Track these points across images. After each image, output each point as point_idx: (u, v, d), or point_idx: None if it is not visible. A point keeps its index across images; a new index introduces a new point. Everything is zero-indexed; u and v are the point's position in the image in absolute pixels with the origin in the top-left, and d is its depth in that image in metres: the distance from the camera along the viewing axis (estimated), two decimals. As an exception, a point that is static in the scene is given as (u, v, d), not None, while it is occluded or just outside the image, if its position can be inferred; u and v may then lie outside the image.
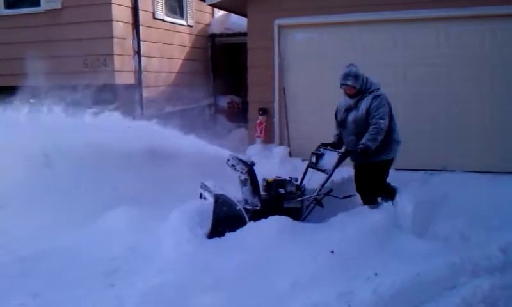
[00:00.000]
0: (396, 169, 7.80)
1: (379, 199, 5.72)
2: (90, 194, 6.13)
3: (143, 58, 10.36)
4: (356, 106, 5.71)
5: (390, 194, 5.74)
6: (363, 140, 5.50)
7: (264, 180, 5.53)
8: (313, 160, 5.86)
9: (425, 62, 8.45)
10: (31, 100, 6.66)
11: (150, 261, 4.58)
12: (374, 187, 5.80)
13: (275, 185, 5.44)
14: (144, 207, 5.61)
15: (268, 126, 9.49)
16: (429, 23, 8.44)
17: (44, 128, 5.97)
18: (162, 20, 11.21)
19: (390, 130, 5.66)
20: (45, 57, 9.55)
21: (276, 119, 9.46)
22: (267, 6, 9.30)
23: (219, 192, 5.04)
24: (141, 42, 10.29)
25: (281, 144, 9.39)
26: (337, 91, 5.97)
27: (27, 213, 5.76)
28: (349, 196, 5.54)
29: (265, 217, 5.06)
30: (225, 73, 13.49)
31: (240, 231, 4.90)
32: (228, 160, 5.27)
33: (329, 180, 5.58)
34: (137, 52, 10.26)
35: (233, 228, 4.91)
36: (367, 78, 5.74)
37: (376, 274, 4.21)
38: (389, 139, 5.65)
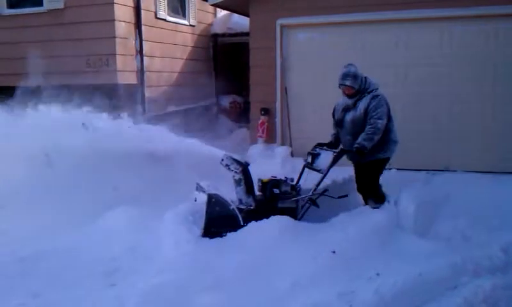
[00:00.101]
0: (398, 169, 7.83)
1: (369, 201, 5.70)
2: (90, 194, 6.13)
3: (145, 58, 10.37)
4: (354, 106, 5.67)
5: (380, 198, 5.70)
6: (359, 139, 5.47)
7: (259, 180, 5.51)
8: (309, 160, 5.83)
9: (427, 62, 8.42)
10: (33, 100, 6.65)
11: (150, 261, 4.58)
12: (368, 185, 5.77)
13: (270, 185, 5.42)
14: (144, 207, 5.61)
15: (270, 126, 9.48)
16: (431, 23, 8.41)
17: (45, 128, 5.96)
18: (165, 19, 11.22)
19: (388, 130, 5.62)
20: (47, 56, 9.59)
21: (278, 119, 9.46)
22: (269, 6, 9.30)
23: (213, 192, 5.03)
24: (144, 42, 10.30)
25: (283, 144, 9.38)
26: (339, 91, 5.94)
27: (27, 214, 5.77)
28: (344, 196, 5.49)
29: (260, 217, 5.04)
30: (227, 73, 13.49)
31: (241, 231, 4.89)
32: (222, 160, 5.25)
33: (327, 179, 5.55)
34: (140, 51, 10.27)
35: (226, 228, 4.90)
36: (365, 78, 5.70)
37: (377, 274, 4.20)
38: (386, 138, 5.62)
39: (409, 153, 8.09)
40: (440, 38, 8.39)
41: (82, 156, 6.12)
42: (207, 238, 4.85)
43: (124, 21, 9.84)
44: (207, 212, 4.93)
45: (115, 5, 9.55)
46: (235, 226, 4.96)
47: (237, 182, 5.28)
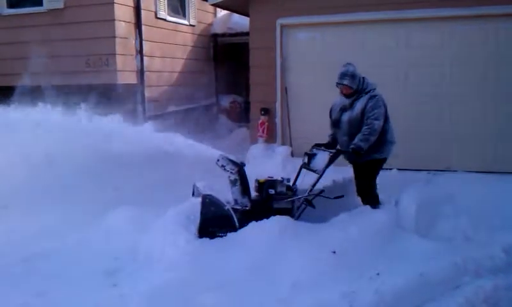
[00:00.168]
0: (399, 169, 7.84)
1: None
2: (92, 194, 6.14)
3: (145, 58, 10.37)
4: (351, 106, 5.64)
5: (374, 199, 5.68)
6: (356, 140, 5.44)
7: (256, 180, 5.49)
8: (306, 160, 5.81)
9: (427, 62, 8.43)
10: (33, 100, 6.65)
11: (152, 261, 4.57)
12: (364, 186, 5.76)
13: (266, 185, 5.40)
14: (146, 207, 5.60)
15: (270, 126, 9.49)
16: (432, 22, 8.42)
17: (46, 128, 5.96)
18: (165, 19, 11.22)
19: (384, 131, 5.59)
20: (47, 56, 9.58)
21: (278, 119, 9.46)
22: (269, 6, 9.30)
23: (207, 192, 5.02)
24: (144, 42, 10.31)
25: (283, 144, 9.39)
26: (338, 91, 5.94)
27: (30, 213, 5.80)
28: (340, 197, 5.46)
29: (255, 218, 5.02)
30: (227, 72, 13.49)
31: (242, 231, 4.89)
32: (218, 160, 5.22)
33: (327, 179, 5.54)
34: (140, 51, 10.28)
35: (221, 228, 4.89)
36: (363, 78, 5.66)
37: (378, 274, 4.19)
38: (383, 139, 5.59)
39: (410, 153, 8.13)
40: (441, 38, 8.40)
41: (83, 156, 6.12)
42: (208, 238, 4.85)
43: (124, 21, 9.84)
44: (201, 212, 4.92)
45: (115, 5, 9.56)
46: (230, 226, 4.94)
47: (233, 183, 5.25)
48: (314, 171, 5.60)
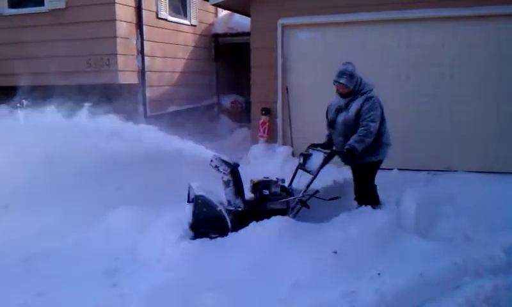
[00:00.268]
0: (399, 169, 7.84)
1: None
2: (92, 194, 6.14)
3: (146, 58, 10.39)
4: (346, 107, 5.60)
5: (374, 200, 5.65)
6: (350, 141, 5.40)
7: (251, 181, 5.47)
8: (301, 161, 5.79)
9: (428, 62, 8.42)
10: (34, 100, 6.66)
11: (153, 261, 4.57)
12: (362, 189, 5.72)
13: (260, 186, 5.37)
14: (146, 207, 5.60)
15: (271, 126, 9.49)
16: (433, 22, 8.41)
17: (47, 128, 5.97)
18: (166, 19, 11.23)
19: (380, 133, 5.54)
20: (48, 56, 9.61)
21: (279, 119, 9.46)
22: (270, 6, 9.30)
23: (200, 193, 5.01)
24: (145, 42, 10.32)
25: (284, 144, 9.38)
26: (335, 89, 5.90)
27: (30, 213, 5.78)
28: (336, 198, 5.45)
29: (249, 219, 5.01)
30: (228, 72, 13.50)
31: (244, 231, 4.89)
32: (212, 161, 5.20)
33: (328, 180, 5.52)
34: (141, 51, 10.30)
35: (214, 229, 4.89)
36: (361, 78, 5.60)
37: (378, 274, 4.19)
38: (378, 141, 5.54)
39: (410, 153, 8.14)
40: (442, 38, 8.38)
41: (84, 156, 6.12)
42: (208, 238, 4.85)
43: (125, 21, 9.85)
44: (194, 213, 4.93)
45: (116, 5, 9.57)
46: (222, 227, 4.94)
47: (226, 183, 5.23)
48: (309, 172, 5.57)
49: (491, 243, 4.77)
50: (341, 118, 5.66)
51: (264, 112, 9.45)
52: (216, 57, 13.47)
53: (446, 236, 5.05)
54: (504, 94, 8.16)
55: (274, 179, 5.45)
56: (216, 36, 13.45)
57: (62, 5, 9.92)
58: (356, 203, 5.76)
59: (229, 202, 5.23)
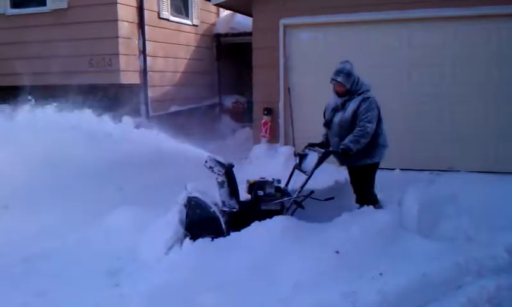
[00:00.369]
0: (401, 169, 7.83)
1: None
2: (93, 194, 6.14)
3: (148, 58, 10.39)
4: (343, 107, 5.53)
5: (373, 203, 5.56)
6: (346, 140, 5.33)
7: (247, 181, 5.43)
8: (297, 161, 5.75)
9: (430, 62, 8.41)
10: (36, 100, 6.66)
11: (153, 261, 4.57)
12: (361, 192, 5.66)
13: (255, 187, 5.33)
14: (147, 207, 5.60)
15: (273, 126, 9.47)
16: (435, 22, 8.39)
17: (48, 128, 5.97)
18: (168, 19, 11.23)
19: (376, 134, 5.46)
20: (50, 56, 9.61)
21: (281, 119, 9.45)
22: (272, 6, 9.29)
23: (193, 194, 4.99)
24: (147, 42, 10.33)
25: (286, 143, 9.36)
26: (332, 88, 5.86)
27: (31, 214, 5.79)
28: (331, 198, 5.41)
29: (244, 220, 4.99)
30: (230, 72, 13.50)
31: (245, 231, 4.88)
32: (206, 162, 5.15)
33: (329, 180, 5.49)
34: (143, 51, 10.30)
35: (208, 231, 4.87)
36: (358, 78, 5.52)
37: (380, 274, 4.17)
38: (374, 142, 5.47)
39: (412, 153, 8.12)
40: (443, 38, 8.37)
41: (84, 156, 6.12)
42: (209, 238, 4.84)
43: (127, 21, 9.86)
44: (187, 214, 4.91)
45: (118, 5, 9.58)
46: (216, 228, 4.91)
47: (220, 184, 5.19)
48: (304, 172, 5.51)
49: (493, 243, 4.74)
50: (337, 117, 5.59)
51: (265, 112, 9.44)
52: (217, 57, 13.47)
53: (448, 236, 5.02)
54: (504, 94, 8.15)
55: (270, 180, 5.40)
56: (218, 36, 13.46)
57: (64, 5, 9.93)
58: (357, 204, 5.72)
59: (223, 203, 5.20)
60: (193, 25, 12.39)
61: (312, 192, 5.33)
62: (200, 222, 4.91)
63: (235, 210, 5.20)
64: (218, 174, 5.15)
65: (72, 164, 6.22)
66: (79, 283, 4.34)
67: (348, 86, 5.47)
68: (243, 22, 12.46)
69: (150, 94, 10.50)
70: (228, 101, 13.56)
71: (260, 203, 5.29)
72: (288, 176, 5.81)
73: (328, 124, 5.78)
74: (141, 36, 10.23)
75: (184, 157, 5.56)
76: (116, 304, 4.02)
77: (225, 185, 5.19)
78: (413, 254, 4.58)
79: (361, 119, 5.35)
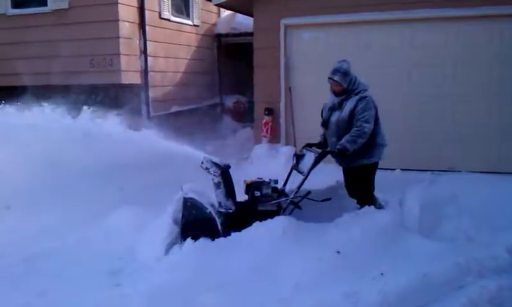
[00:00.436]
0: (402, 170, 7.82)
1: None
2: (93, 194, 6.14)
3: (149, 58, 10.38)
4: (340, 106, 5.50)
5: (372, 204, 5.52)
6: (342, 140, 5.29)
7: (244, 181, 5.41)
8: (294, 161, 5.73)
9: (432, 62, 8.40)
10: (37, 100, 6.66)
11: (153, 260, 4.59)
12: (360, 192, 5.62)
13: (252, 187, 5.32)
14: (147, 207, 5.60)
15: (274, 126, 9.47)
16: (436, 22, 8.38)
17: (49, 128, 5.97)
18: (169, 19, 11.23)
19: (374, 134, 5.42)
20: (51, 56, 9.61)
21: (282, 119, 9.45)
22: (273, 6, 9.29)
23: (189, 195, 4.97)
24: (148, 42, 10.32)
25: (287, 143, 9.36)
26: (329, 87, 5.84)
27: (32, 214, 5.80)
28: (328, 199, 5.39)
29: (240, 221, 4.98)
30: (231, 73, 13.49)
31: (246, 231, 4.87)
32: (202, 162, 5.14)
33: (330, 180, 5.47)
34: (144, 51, 10.29)
35: (204, 231, 4.86)
36: (355, 78, 5.48)
37: (381, 274, 4.16)
38: (372, 142, 5.42)
39: (413, 153, 8.11)
40: (445, 38, 8.37)
41: (84, 156, 6.12)
42: (209, 239, 4.84)
43: (128, 21, 9.85)
44: (183, 215, 4.90)
45: (119, 5, 9.57)
46: (212, 229, 4.91)
47: (217, 185, 5.17)
48: (301, 173, 5.49)
49: (495, 243, 4.73)
50: (334, 117, 5.55)
51: (266, 112, 9.43)
52: (218, 58, 13.47)
53: (449, 236, 5.01)
54: (506, 95, 8.14)
55: (267, 180, 5.38)
56: (219, 36, 13.45)
57: (65, 5, 9.92)
58: (354, 201, 5.70)
59: (220, 204, 5.19)
60: (194, 25, 12.38)
61: (309, 192, 5.31)
62: (195, 223, 4.90)
63: (231, 211, 5.19)
64: (214, 175, 5.14)
65: (73, 164, 6.22)
66: (79, 283, 4.35)
67: (345, 85, 5.43)
68: (244, 22, 12.45)
69: (151, 94, 10.49)
70: (229, 101, 13.55)
71: (257, 204, 5.27)
72: (286, 176, 5.80)
73: (325, 124, 5.75)
74: (142, 36, 10.22)
75: (183, 157, 5.56)
76: (117, 304, 4.02)
77: (221, 185, 5.17)
78: (414, 255, 4.57)
79: (358, 119, 5.31)
